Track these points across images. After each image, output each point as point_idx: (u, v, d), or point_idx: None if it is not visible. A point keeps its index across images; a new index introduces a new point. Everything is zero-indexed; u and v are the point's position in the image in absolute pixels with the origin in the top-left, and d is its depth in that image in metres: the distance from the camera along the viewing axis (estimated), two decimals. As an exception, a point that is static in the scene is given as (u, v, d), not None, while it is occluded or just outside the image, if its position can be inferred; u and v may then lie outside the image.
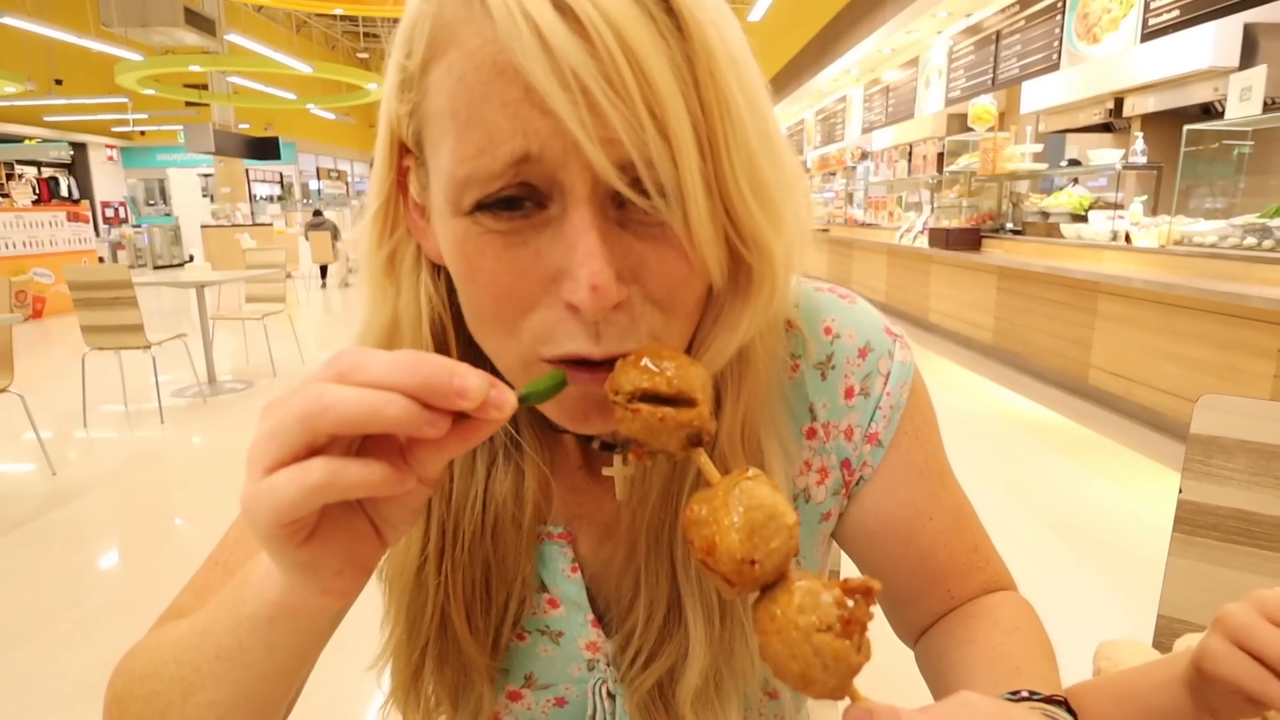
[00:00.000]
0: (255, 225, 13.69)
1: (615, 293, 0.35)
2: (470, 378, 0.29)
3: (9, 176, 14.52)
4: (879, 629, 0.60)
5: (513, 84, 0.33)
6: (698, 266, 0.38)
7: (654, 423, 0.35)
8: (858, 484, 0.53)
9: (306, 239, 11.52)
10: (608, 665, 0.52)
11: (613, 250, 0.35)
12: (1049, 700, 0.42)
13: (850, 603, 0.31)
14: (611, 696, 0.52)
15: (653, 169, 0.33)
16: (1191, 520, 0.92)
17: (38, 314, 8.41)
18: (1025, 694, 0.42)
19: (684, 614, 0.47)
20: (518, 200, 0.35)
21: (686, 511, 0.34)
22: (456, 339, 0.44)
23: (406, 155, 0.41)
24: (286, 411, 0.28)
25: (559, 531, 0.51)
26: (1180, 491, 0.91)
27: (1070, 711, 0.42)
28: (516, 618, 0.50)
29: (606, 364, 0.37)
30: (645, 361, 0.36)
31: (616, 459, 0.50)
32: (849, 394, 0.51)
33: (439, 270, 0.44)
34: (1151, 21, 4.77)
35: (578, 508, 0.51)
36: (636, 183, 0.34)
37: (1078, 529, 2.77)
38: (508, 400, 0.30)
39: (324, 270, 11.97)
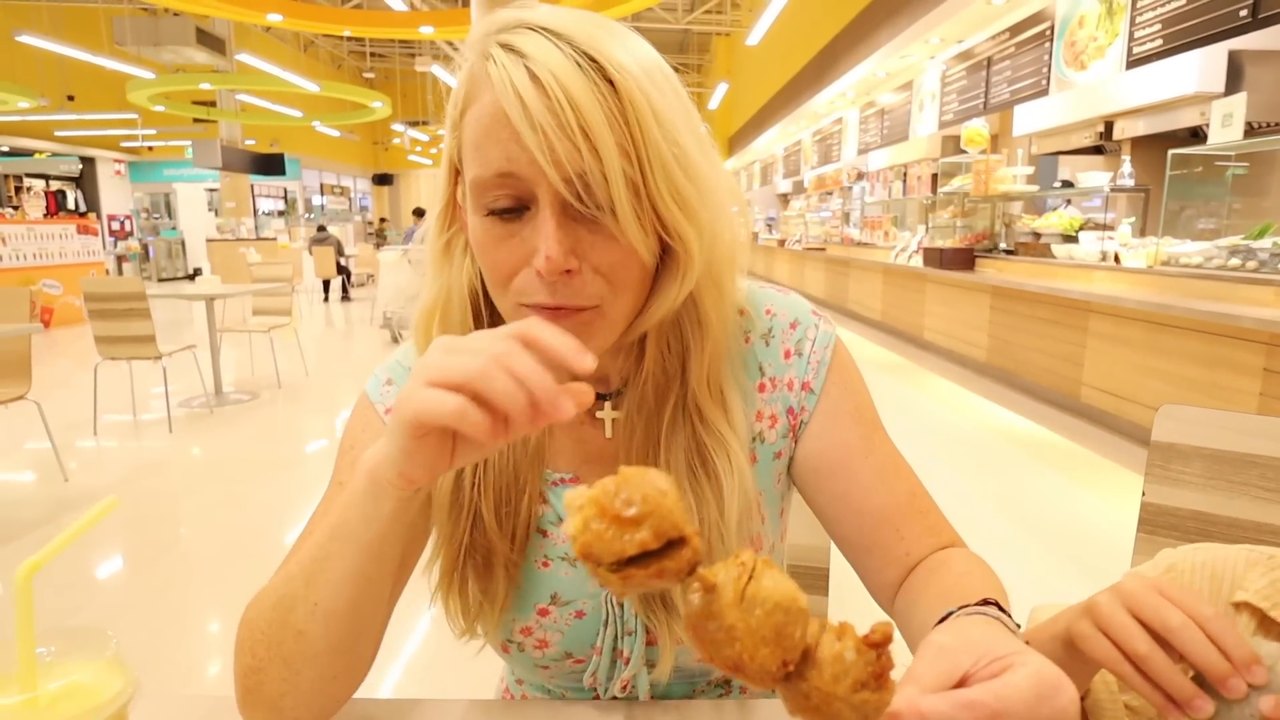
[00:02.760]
0: (259, 239, 13.82)
1: (564, 262, 0.51)
2: (567, 405, 0.41)
3: (18, 189, 14.68)
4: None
5: (505, 127, 0.50)
6: (629, 250, 0.53)
7: (652, 582, 0.35)
8: (801, 427, 0.67)
9: (310, 253, 11.63)
10: None
11: (566, 236, 0.51)
12: (983, 604, 0.49)
13: (875, 654, 0.33)
14: (620, 604, 0.65)
15: (588, 182, 0.49)
16: (1154, 521, 0.98)
17: (46, 324, 8.50)
18: (956, 610, 0.49)
19: None
20: (510, 209, 0.52)
21: (694, 627, 0.35)
22: (484, 301, 0.62)
23: (457, 175, 0.58)
24: (466, 360, 0.41)
25: (569, 476, 0.66)
26: (1144, 494, 0.98)
27: (1002, 610, 0.49)
28: (528, 520, 0.64)
29: (563, 311, 0.53)
30: (611, 525, 0.35)
31: (606, 405, 0.64)
32: (786, 355, 0.67)
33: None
34: (1136, 50, 4.90)
35: (584, 453, 0.66)
36: (583, 192, 0.50)
37: (1068, 542, 2.84)
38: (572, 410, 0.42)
39: (326, 284, 12.07)
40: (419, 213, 9.42)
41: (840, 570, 1.05)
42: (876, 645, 0.34)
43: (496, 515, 0.62)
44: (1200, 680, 0.42)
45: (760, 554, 0.64)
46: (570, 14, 0.53)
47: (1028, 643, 0.41)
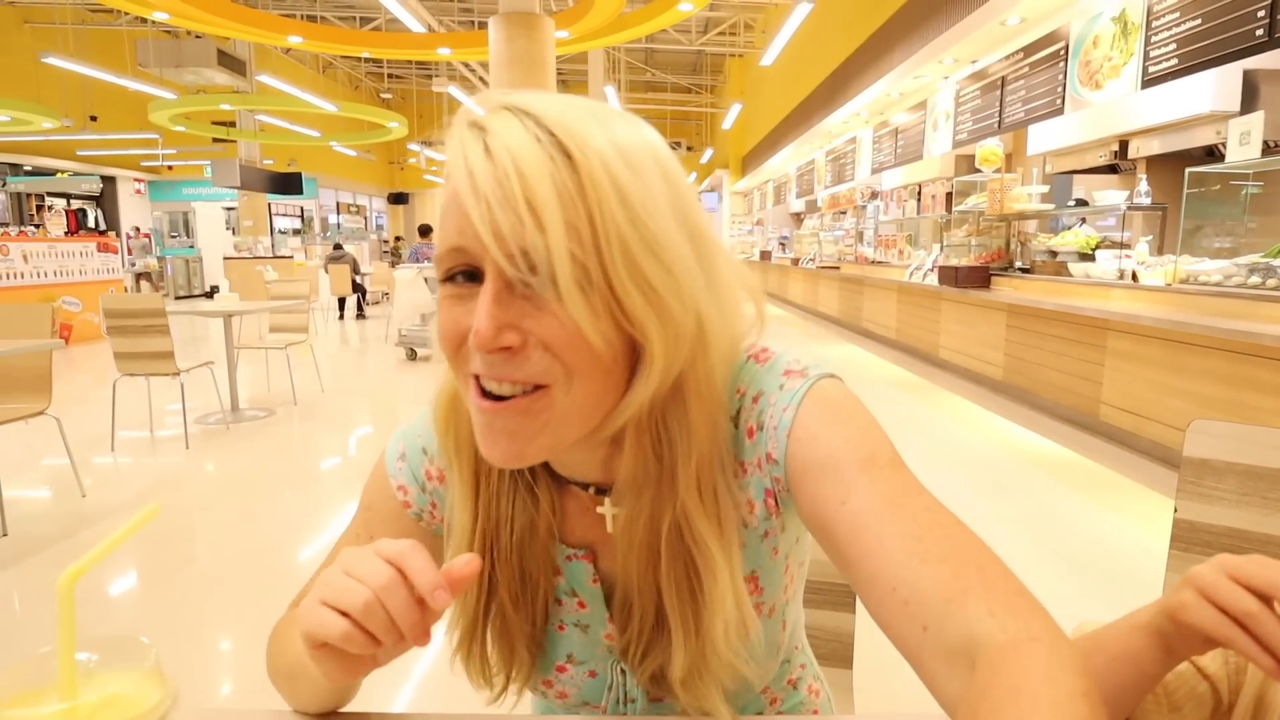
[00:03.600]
0: (276, 257, 13.96)
1: (494, 338, 0.48)
2: (423, 640, 0.47)
3: (39, 208, 14.93)
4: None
5: (459, 202, 0.48)
6: (576, 330, 0.49)
7: None
8: (781, 501, 0.60)
9: (326, 271, 11.73)
10: (620, 653, 0.66)
11: (505, 311, 0.49)
12: None
13: None
14: (623, 673, 0.67)
15: (528, 255, 0.47)
16: (1186, 538, 0.96)
17: (65, 341, 8.60)
18: None
19: (667, 627, 0.60)
20: (466, 275, 0.51)
21: None
22: None
23: None
24: (354, 591, 0.45)
25: (582, 553, 0.65)
26: (1175, 511, 0.96)
27: None
28: (546, 600, 0.66)
29: (500, 391, 0.51)
30: None
31: (606, 500, 0.63)
32: (750, 433, 0.59)
33: None
34: (1151, 69, 4.90)
35: (594, 534, 0.65)
36: (527, 268, 0.48)
37: (1088, 562, 2.80)
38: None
39: (342, 303, 12.17)
40: (425, 230, 9.42)
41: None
42: None
43: (515, 600, 0.64)
44: None
45: (759, 617, 0.64)
46: (557, 98, 0.52)
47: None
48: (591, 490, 0.63)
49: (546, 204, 0.46)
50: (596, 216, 0.47)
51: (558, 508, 0.64)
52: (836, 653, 1.01)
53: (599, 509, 0.63)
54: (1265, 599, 0.44)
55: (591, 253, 0.47)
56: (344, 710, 0.65)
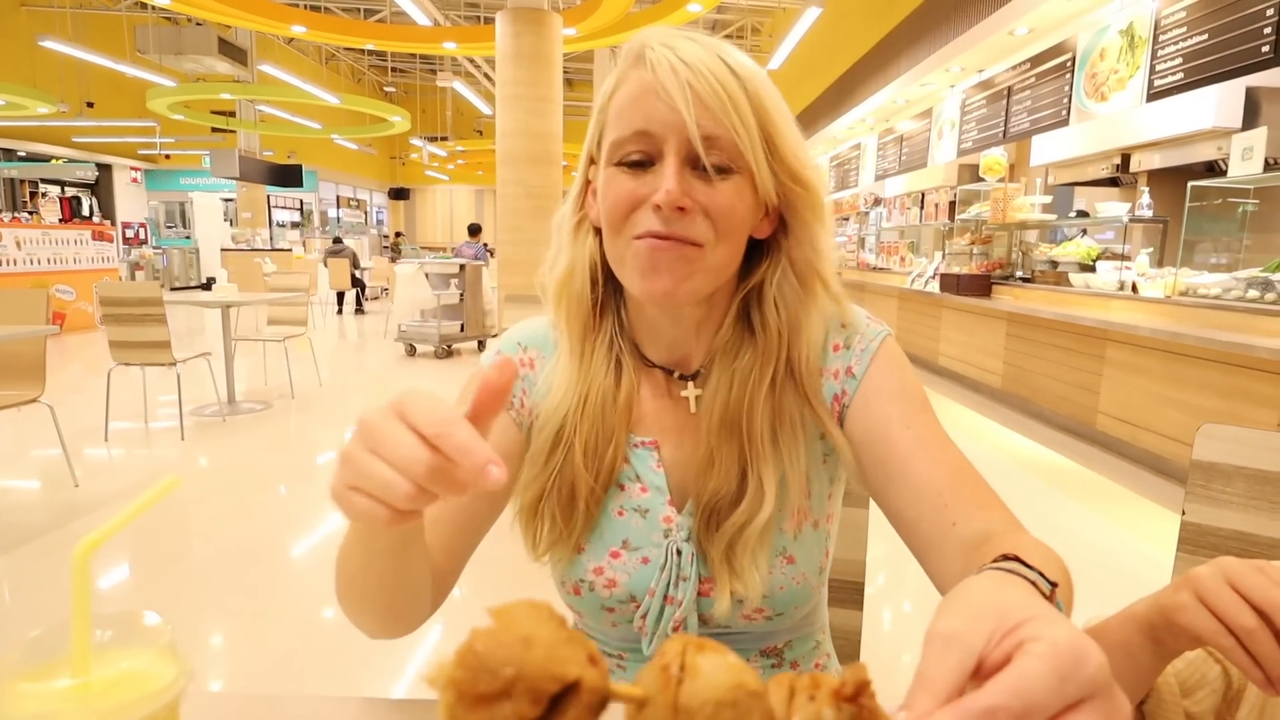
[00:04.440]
0: (274, 250, 13.92)
1: (679, 198, 0.62)
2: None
3: (33, 194, 14.85)
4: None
5: (650, 94, 0.62)
6: (733, 203, 0.64)
7: None
8: (844, 411, 0.73)
9: (325, 265, 11.70)
10: (678, 532, 0.73)
11: (684, 180, 0.63)
12: (1001, 560, 0.45)
13: (855, 708, 0.30)
14: (679, 553, 0.72)
15: (715, 144, 0.62)
16: (1194, 541, 0.97)
17: (59, 327, 8.55)
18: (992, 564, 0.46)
19: (759, 480, 0.69)
20: (639, 163, 0.64)
21: None
22: (603, 275, 0.74)
23: (591, 163, 0.72)
24: (384, 487, 0.41)
25: (649, 440, 0.75)
26: (1184, 514, 0.97)
27: (1045, 578, 0.44)
28: (612, 468, 0.73)
29: (670, 239, 0.63)
30: (476, 708, 0.30)
31: (690, 384, 0.75)
32: (835, 348, 0.74)
33: (597, 232, 0.72)
34: (1157, 83, 4.92)
35: (662, 422, 0.75)
36: (706, 152, 0.62)
37: (1083, 569, 2.78)
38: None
39: (340, 297, 12.13)
40: (475, 229, 9.42)
41: (875, 586, 1.03)
42: (853, 699, 0.30)
43: (585, 456, 0.72)
44: None
45: (805, 524, 0.72)
46: (706, 35, 0.67)
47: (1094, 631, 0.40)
48: (676, 375, 0.75)
49: (741, 103, 0.62)
50: (762, 117, 0.64)
51: (636, 392, 0.75)
52: (844, 649, 1.03)
53: (683, 392, 0.75)
54: (1262, 614, 0.44)
55: (760, 144, 0.63)
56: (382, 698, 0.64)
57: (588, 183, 0.72)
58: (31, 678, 0.38)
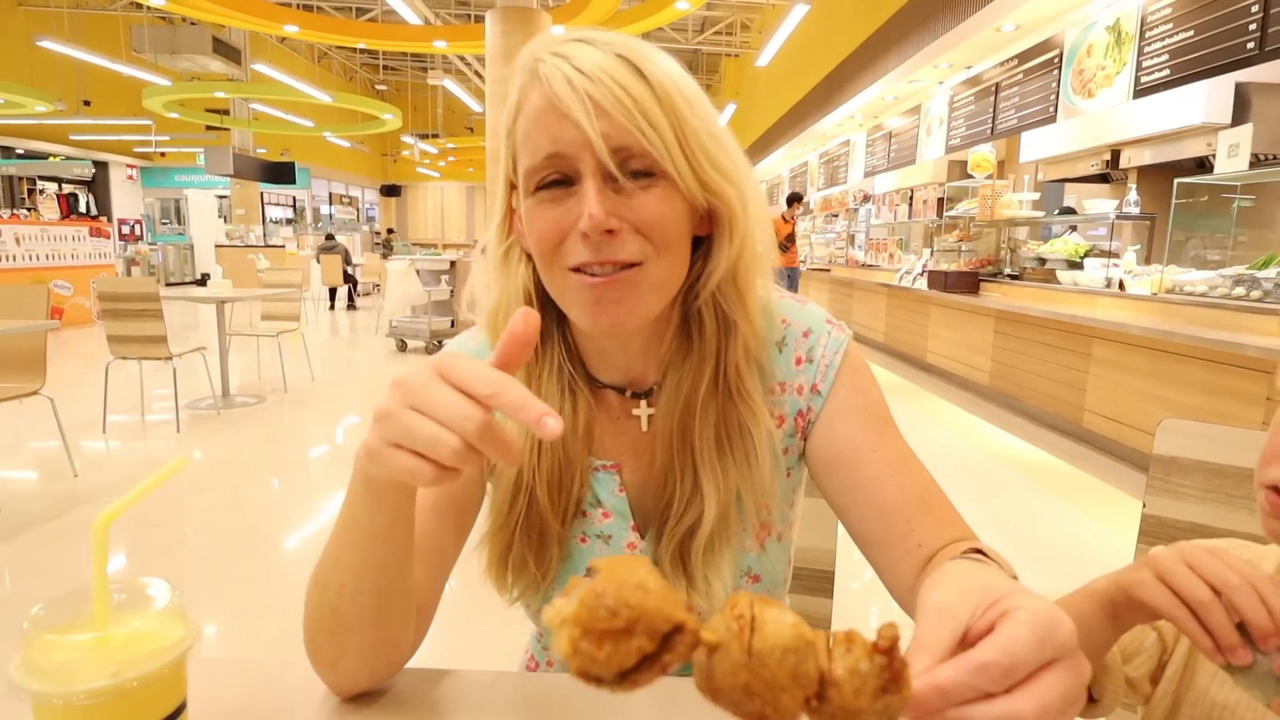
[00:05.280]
0: (268, 246, 13.91)
1: (605, 221, 0.57)
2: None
3: (30, 191, 14.82)
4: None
5: (551, 113, 0.58)
6: (663, 212, 0.60)
7: (658, 677, 0.35)
8: (809, 427, 0.72)
9: (318, 261, 11.71)
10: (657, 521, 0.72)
11: (606, 200, 0.58)
12: (970, 553, 0.54)
13: (887, 659, 0.34)
14: None
15: (630, 153, 0.58)
16: (1154, 532, 1.00)
17: (59, 321, 8.57)
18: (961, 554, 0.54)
19: (701, 489, 0.68)
20: (557, 182, 0.59)
21: (708, 691, 0.35)
22: (539, 302, 0.69)
23: (512, 188, 0.66)
24: (430, 442, 0.43)
25: (610, 464, 0.73)
26: (1144, 506, 1.00)
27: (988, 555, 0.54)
28: (578, 500, 0.71)
29: (603, 272, 0.60)
30: (600, 642, 0.33)
31: (642, 403, 0.72)
32: (797, 361, 0.72)
33: (529, 258, 0.68)
34: (1144, 79, 4.97)
35: (620, 445, 0.73)
36: (622, 164, 0.57)
37: (1069, 565, 2.85)
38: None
39: (333, 293, 12.14)
40: None
41: (844, 573, 1.07)
42: (887, 652, 0.34)
43: (550, 496, 0.69)
44: (1242, 633, 0.47)
45: (768, 539, 0.72)
46: (607, 33, 0.62)
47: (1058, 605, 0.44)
48: (627, 394, 0.72)
49: (651, 111, 0.57)
50: (674, 118, 0.59)
51: (594, 417, 0.72)
52: None
53: (634, 411, 0.72)
54: (1215, 591, 0.48)
55: (676, 147, 0.58)
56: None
57: (511, 210, 0.68)
58: (57, 631, 0.42)
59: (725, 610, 0.35)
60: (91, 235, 9.32)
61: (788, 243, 8.96)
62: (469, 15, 14.60)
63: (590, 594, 0.33)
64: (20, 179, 14.88)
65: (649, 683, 0.34)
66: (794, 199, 9.26)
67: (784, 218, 8.96)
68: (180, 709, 0.45)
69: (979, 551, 0.54)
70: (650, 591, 0.34)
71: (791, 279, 9.23)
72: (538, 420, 0.40)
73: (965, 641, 0.39)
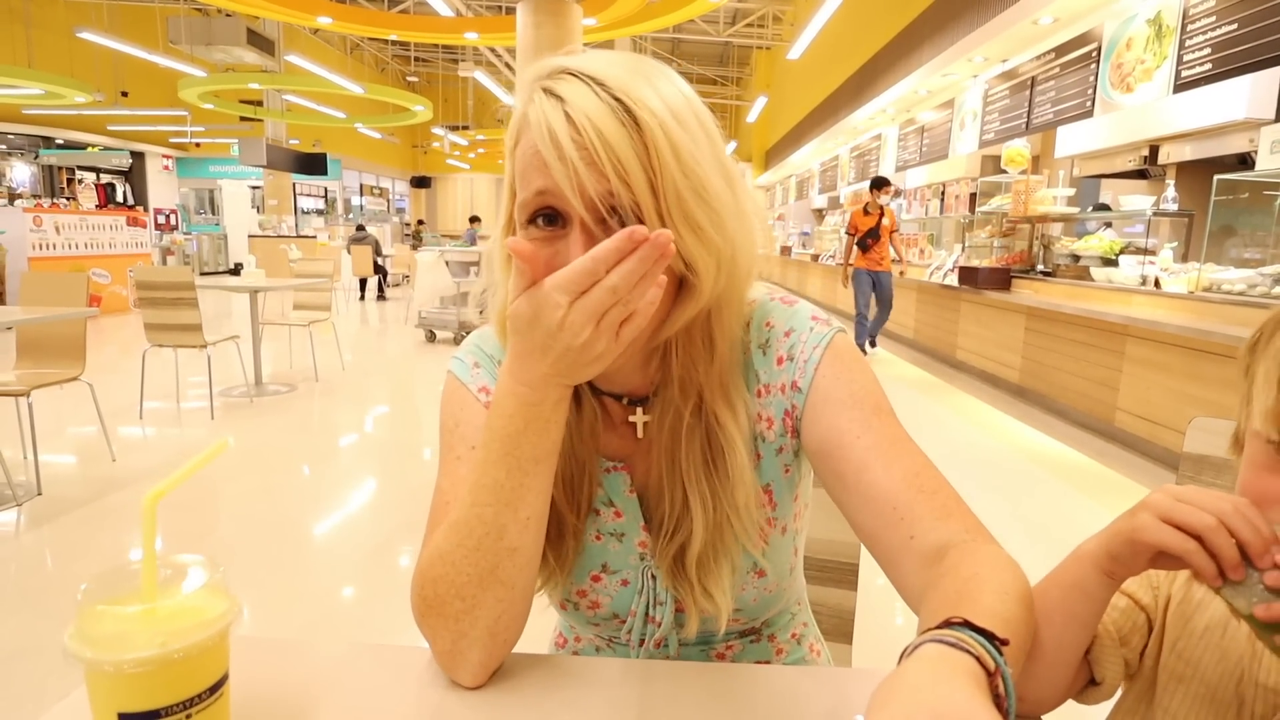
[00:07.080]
0: (299, 237, 14.12)
1: None
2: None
3: (69, 181, 15.18)
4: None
5: (539, 157, 0.57)
6: None
7: None
8: (797, 423, 0.72)
9: (349, 252, 11.86)
10: (652, 556, 0.74)
11: (592, 246, 0.56)
12: (966, 626, 0.46)
13: None
14: (654, 577, 0.74)
15: (613, 205, 0.57)
16: (1184, 531, 1.01)
17: (98, 309, 8.79)
18: (941, 625, 0.47)
19: (690, 509, 0.69)
20: (549, 218, 0.59)
21: None
22: None
23: (514, 194, 0.65)
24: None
25: (620, 465, 0.74)
26: (1174, 504, 1.00)
27: (989, 637, 0.45)
28: (590, 496, 0.74)
29: None
30: None
31: (638, 410, 0.73)
32: (779, 361, 0.72)
33: None
34: (1184, 74, 4.85)
35: (630, 447, 0.75)
36: (611, 209, 0.57)
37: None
38: None
39: (363, 283, 12.30)
40: (475, 219, 9.73)
41: (870, 567, 1.07)
42: None
43: (564, 493, 0.72)
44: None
45: (772, 533, 0.73)
46: (611, 59, 0.60)
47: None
48: (625, 401, 0.73)
49: (630, 166, 0.56)
50: (658, 173, 0.57)
51: (600, 419, 0.74)
52: (838, 628, 1.05)
53: (631, 418, 0.73)
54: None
55: (651, 205, 0.57)
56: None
57: (512, 213, 0.67)
58: (108, 603, 0.44)
59: None
60: (129, 225, 9.53)
61: (869, 239, 7.02)
62: (500, 7, 14.65)
63: None
64: (60, 169, 15.26)
65: None
66: (879, 183, 7.11)
67: (865, 209, 7.06)
68: (223, 680, 0.47)
69: (961, 622, 0.46)
70: None
71: (878, 286, 7.16)
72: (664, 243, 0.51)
73: None
